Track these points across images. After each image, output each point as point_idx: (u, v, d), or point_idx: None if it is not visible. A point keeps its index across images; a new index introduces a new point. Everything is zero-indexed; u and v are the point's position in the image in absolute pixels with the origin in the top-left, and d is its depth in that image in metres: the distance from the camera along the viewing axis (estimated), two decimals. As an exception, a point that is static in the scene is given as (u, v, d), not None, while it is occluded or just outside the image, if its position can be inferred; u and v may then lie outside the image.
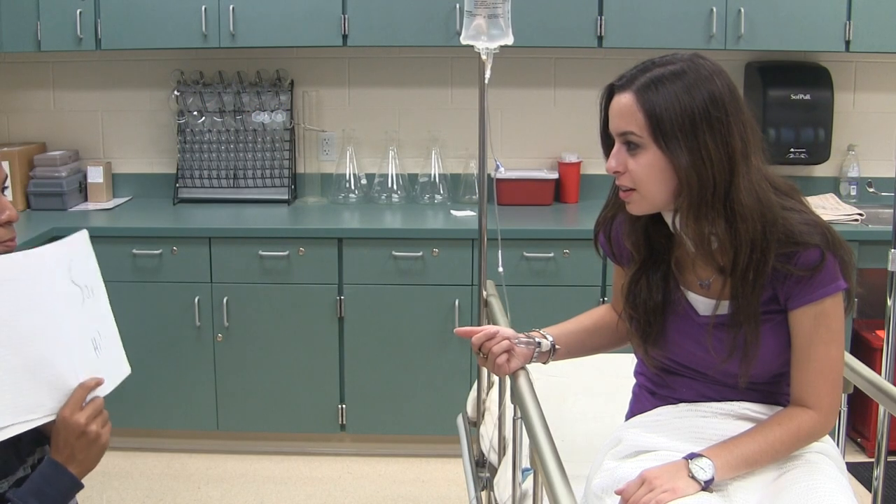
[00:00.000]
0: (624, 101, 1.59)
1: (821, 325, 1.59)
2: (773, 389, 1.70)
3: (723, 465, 1.56)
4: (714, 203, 1.56)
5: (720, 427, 1.66)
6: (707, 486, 1.54)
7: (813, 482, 1.57)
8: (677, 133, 1.54)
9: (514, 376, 1.81)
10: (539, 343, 1.86)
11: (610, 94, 1.63)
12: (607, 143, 1.67)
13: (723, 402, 1.68)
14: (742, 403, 1.67)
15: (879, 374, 1.91)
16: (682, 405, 1.71)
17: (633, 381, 1.88)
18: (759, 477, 1.61)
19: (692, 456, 1.57)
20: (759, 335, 1.60)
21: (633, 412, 1.83)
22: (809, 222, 1.60)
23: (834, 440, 1.76)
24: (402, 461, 3.61)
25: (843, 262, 1.60)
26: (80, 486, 1.50)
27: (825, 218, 1.66)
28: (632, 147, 1.59)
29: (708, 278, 1.66)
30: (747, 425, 1.65)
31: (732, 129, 1.55)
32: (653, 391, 1.78)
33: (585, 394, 2.40)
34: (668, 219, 1.65)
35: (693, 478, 1.54)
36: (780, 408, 1.68)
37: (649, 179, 1.58)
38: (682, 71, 1.56)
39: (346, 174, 3.95)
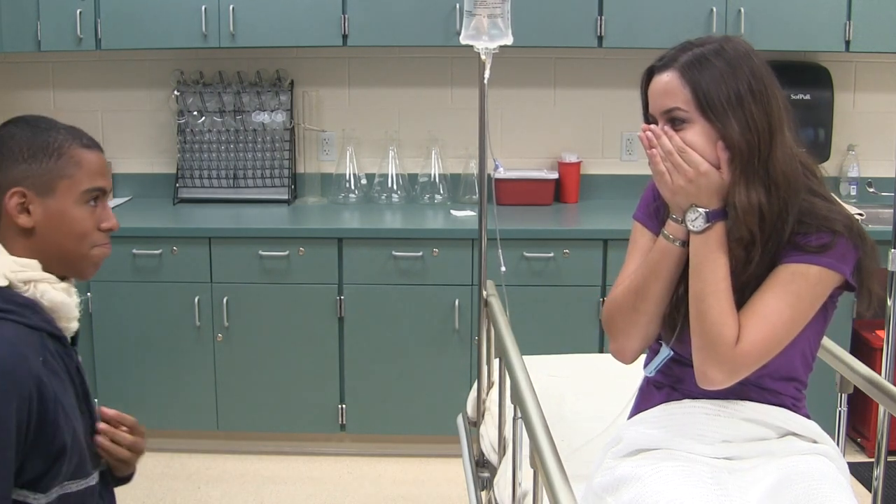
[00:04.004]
0: (667, 79, 1.62)
1: (791, 282, 1.58)
2: (780, 390, 1.69)
3: (706, 242, 1.60)
4: (758, 169, 1.60)
5: (722, 427, 1.65)
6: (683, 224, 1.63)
7: (813, 483, 1.56)
8: (726, 106, 1.58)
9: (513, 376, 1.81)
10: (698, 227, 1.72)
11: (649, 76, 1.67)
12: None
13: (727, 402, 1.67)
14: (747, 404, 1.67)
15: (879, 374, 1.91)
16: (686, 401, 1.70)
17: (634, 380, 1.88)
18: (760, 478, 1.61)
19: (715, 215, 1.59)
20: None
21: (638, 408, 1.82)
22: (834, 211, 1.63)
23: (834, 440, 1.75)
24: (402, 461, 3.61)
25: (862, 252, 1.61)
26: None
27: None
28: (677, 123, 1.62)
29: (735, 264, 1.65)
30: (751, 427, 1.65)
31: (771, 100, 1.61)
32: (660, 384, 1.77)
33: (585, 394, 2.40)
34: None
35: (686, 214, 1.61)
36: (786, 411, 1.68)
37: (701, 150, 1.60)
38: (722, 49, 1.61)
39: (346, 174, 3.95)
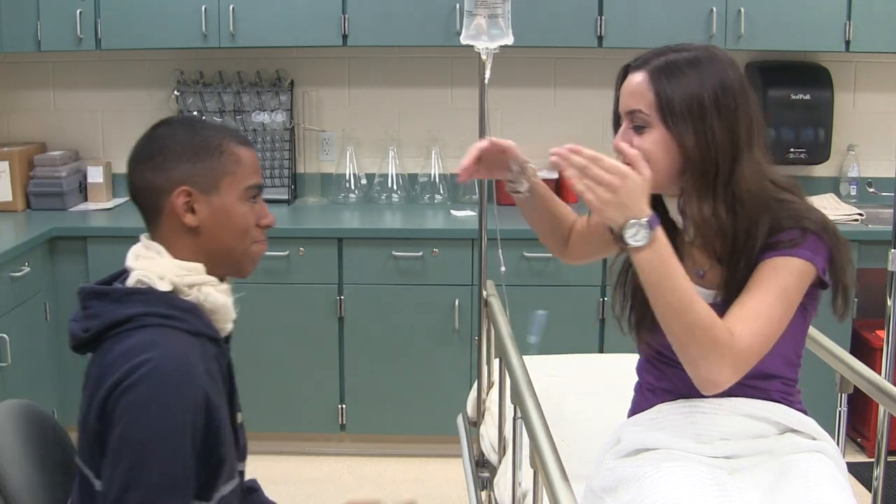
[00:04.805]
0: (636, 80, 1.61)
1: (774, 276, 1.55)
2: (767, 387, 1.68)
3: (656, 254, 1.48)
4: (716, 187, 1.58)
5: (720, 424, 1.65)
6: (618, 240, 1.49)
7: (810, 482, 1.56)
8: (686, 115, 1.56)
9: (513, 376, 1.81)
10: (521, 188, 1.91)
11: (624, 74, 1.66)
12: (618, 124, 1.69)
13: (722, 399, 1.66)
14: (740, 400, 1.66)
15: (879, 374, 1.91)
16: (681, 401, 1.70)
17: (634, 380, 1.88)
18: (758, 476, 1.61)
19: (652, 222, 1.47)
20: None
21: (634, 410, 1.83)
22: (804, 210, 1.60)
23: (834, 440, 1.75)
24: (402, 461, 3.61)
25: (835, 249, 1.59)
26: None
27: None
28: (638, 127, 1.61)
29: (703, 267, 1.66)
30: (748, 422, 1.65)
31: (740, 118, 1.58)
32: (652, 387, 1.77)
33: (585, 393, 2.41)
34: (671, 205, 1.66)
35: (623, 231, 1.47)
36: (782, 406, 1.67)
37: (655, 156, 1.59)
38: (697, 58, 1.60)
39: (346, 174, 3.95)
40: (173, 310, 1.44)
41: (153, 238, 1.53)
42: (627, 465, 1.65)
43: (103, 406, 1.36)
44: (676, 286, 1.49)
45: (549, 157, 1.53)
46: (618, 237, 1.49)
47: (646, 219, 1.47)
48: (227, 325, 1.56)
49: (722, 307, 1.59)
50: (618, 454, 1.69)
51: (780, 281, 1.56)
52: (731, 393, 1.65)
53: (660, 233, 1.49)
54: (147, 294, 1.45)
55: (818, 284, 1.61)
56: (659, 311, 1.52)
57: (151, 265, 1.48)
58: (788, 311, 1.57)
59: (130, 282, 1.47)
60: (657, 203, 1.69)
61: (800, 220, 1.58)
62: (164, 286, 1.46)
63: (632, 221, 1.47)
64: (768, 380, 1.68)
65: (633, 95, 1.61)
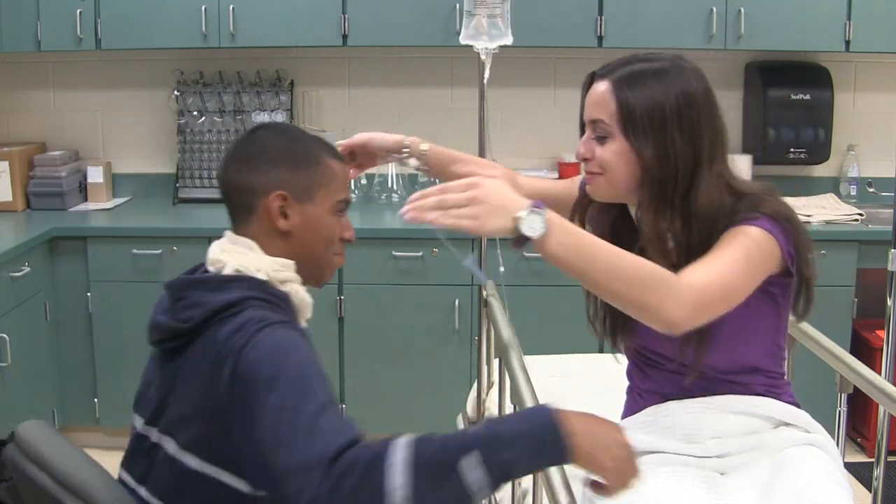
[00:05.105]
0: (601, 89, 1.61)
1: (735, 239, 1.52)
2: (750, 381, 1.68)
3: (559, 239, 1.39)
4: (673, 200, 1.57)
5: (710, 423, 1.65)
6: (519, 242, 1.40)
7: (805, 477, 1.56)
8: (646, 126, 1.55)
9: (513, 376, 1.81)
10: (410, 164, 1.92)
11: (590, 82, 1.65)
12: (584, 130, 1.68)
13: (711, 397, 1.66)
14: (728, 397, 1.66)
15: (879, 374, 1.91)
16: (670, 402, 1.70)
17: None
18: (753, 474, 1.60)
19: (537, 206, 1.38)
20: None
21: (626, 413, 1.83)
22: (772, 203, 1.58)
23: (834, 440, 1.76)
24: (402, 461, 3.60)
25: (797, 241, 1.57)
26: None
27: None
28: (601, 137, 1.61)
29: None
30: (740, 419, 1.65)
31: (702, 130, 1.57)
32: (640, 389, 1.78)
33: (585, 393, 2.40)
34: (633, 212, 1.67)
35: (519, 229, 1.39)
36: (770, 399, 1.67)
37: (615, 167, 1.59)
38: (664, 69, 1.58)
39: (346, 174, 3.95)
40: (272, 296, 1.50)
41: (240, 235, 1.59)
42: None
43: (232, 379, 1.38)
44: (598, 252, 1.41)
45: (402, 216, 1.47)
46: (518, 239, 1.40)
47: (528, 206, 1.38)
48: (303, 323, 1.61)
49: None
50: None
51: (736, 243, 1.52)
52: (716, 391, 1.66)
53: (552, 213, 1.39)
54: (246, 281, 1.51)
55: (785, 274, 1.59)
56: (600, 287, 1.44)
57: (245, 258, 1.54)
58: (750, 270, 1.51)
59: (227, 271, 1.53)
60: (623, 211, 1.69)
61: (757, 206, 1.56)
62: (261, 276, 1.52)
63: (518, 215, 1.38)
64: (752, 374, 1.68)
65: (597, 105, 1.60)
